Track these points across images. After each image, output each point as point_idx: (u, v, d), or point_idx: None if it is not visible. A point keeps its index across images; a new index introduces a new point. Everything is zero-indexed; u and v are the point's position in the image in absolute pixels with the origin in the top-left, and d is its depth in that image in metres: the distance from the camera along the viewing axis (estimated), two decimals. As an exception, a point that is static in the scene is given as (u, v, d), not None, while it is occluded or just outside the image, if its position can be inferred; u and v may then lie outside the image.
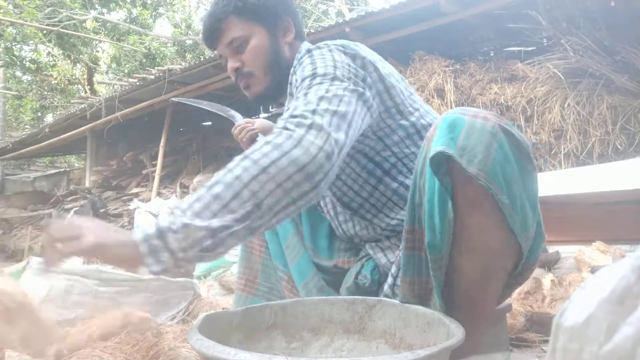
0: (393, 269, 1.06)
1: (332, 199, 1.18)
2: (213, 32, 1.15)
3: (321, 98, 0.86)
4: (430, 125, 1.09)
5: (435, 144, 0.80)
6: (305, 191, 0.78)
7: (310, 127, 0.80)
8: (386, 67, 1.07)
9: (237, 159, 0.78)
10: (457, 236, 0.83)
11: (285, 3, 1.17)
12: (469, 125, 0.79)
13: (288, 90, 1.11)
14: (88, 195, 6.54)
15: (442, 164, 0.79)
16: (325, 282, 1.20)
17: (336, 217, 1.20)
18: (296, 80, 1.00)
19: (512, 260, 0.88)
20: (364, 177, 1.09)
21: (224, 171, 0.77)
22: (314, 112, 0.83)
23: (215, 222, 0.73)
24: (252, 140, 1.31)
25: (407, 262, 0.93)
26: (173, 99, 1.59)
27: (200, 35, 1.23)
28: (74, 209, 5.96)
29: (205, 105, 1.42)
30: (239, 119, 1.40)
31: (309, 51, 1.03)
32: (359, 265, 1.15)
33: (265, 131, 1.34)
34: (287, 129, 0.80)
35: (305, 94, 0.89)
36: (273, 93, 1.17)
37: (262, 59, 1.13)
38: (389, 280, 1.05)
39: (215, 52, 1.19)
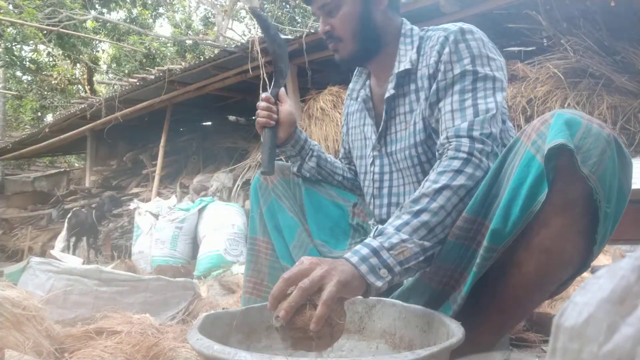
0: None
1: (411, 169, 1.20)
2: None
3: (493, 117, 0.99)
4: (507, 130, 1.13)
5: (552, 136, 0.79)
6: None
7: (489, 156, 0.95)
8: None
9: (430, 190, 0.90)
10: (532, 232, 0.82)
11: None
12: (585, 126, 0.80)
13: (404, 58, 1.15)
14: (104, 194, 6.53)
15: (553, 158, 0.79)
16: None
17: (389, 195, 1.22)
18: (454, 61, 1.06)
19: (573, 271, 0.87)
20: None
21: (419, 202, 0.89)
22: (490, 136, 0.96)
23: (427, 243, 0.86)
24: (264, 128, 1.26)
25: (453, 250, 0.92)
26: (250, 8, 1.38)
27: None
28: (74, 208, 5.96)
29: (270, 33, 1.26)
30: (274, 88, 1.28)
31: (462, 32, 1.08)
32: None
33: (285, 124, 1.28)
34: (473, 156, 0.94)
35: (474, 105, 1.00)
36: (360, 59, 1.22)
37: (351, 26, 1.15)
38: None
39: (311, 9, 1.22)
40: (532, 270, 0.84)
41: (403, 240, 0.84)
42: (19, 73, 12.05)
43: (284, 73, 1.28)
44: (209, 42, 9.57)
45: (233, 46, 5.05)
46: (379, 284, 0.80)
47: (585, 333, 0.32)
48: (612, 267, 0.34)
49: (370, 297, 0.96)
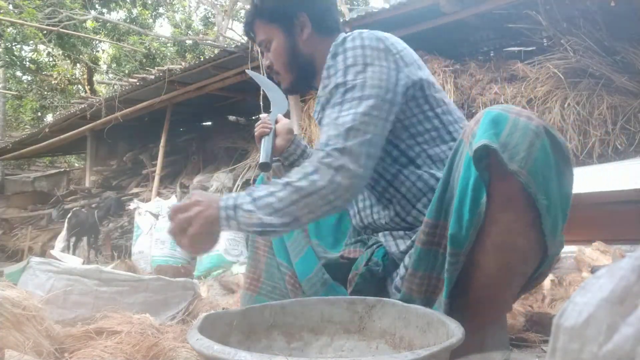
0: (406, 260, 1.06)
1: None
2: (249, 33, 1.28)
3: (349, 130, 0.98)
4: (456, 122, 1.12)
5: (478, 137, 0.80)
6: (331, 210, 0.99)
7: (338, 170, 0.96)
8: (420, 60, 1.14)
9: (283, 182, 0.97)
10: (484, 232, 0.83)
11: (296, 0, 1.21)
12: (512, 122, 0.80)
13: (323, 75, 1.15)
14: (110, 195, 6.54)
15: (483, 158, 0.80)
16: (332, 277, 1.20)
17: (356, 203, 1.22)
18: (331, 75, 1.07)
19: (535, 263, 0.88)
20: (388, 162, 1.12)
21: (275, 186, 0.97)
22: (342, 151, 0.97)
23: (267, 219, 0.95)
24: (261, 137, 1.40)
25: (421, 257, 0.93)
26: (247, 71, 1.72)
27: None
28: (74, 209, 5.95)
29: (262, 83, 1.51)
30: (273, 112, 1.46)
31: (343, 42, 1.08)
32: (368, 252, 1.15)
33: (282, 133, 1.41)
34: (321, 165, 0.97)
35: (336, 119, 1.01)
36: (300, 87, 1.30)
37: (282, 59, 1.22)
38: (401, 271, 1.05)
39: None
40: (492, 269, 0.85)
41: (250, 210, 0.95)
42: (19, 73, 12.05)
43: (282, 106, 1.45)
44: (209, 42, 9.58)
45: (233, 46, 5.05)
46: (224, 229, 0.97)
47: (585, 333, 0.32)
48: (612, 267, 0.34)
49: (370, 297, 0.97)
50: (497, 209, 0.81)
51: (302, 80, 1.25)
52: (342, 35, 1.18)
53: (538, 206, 0.78)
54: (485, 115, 0.82)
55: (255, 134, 1.41)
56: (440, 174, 1.04)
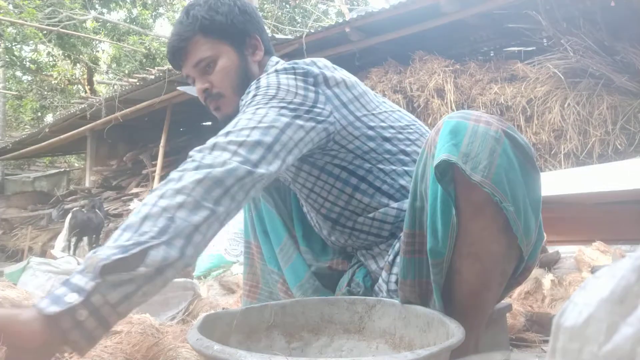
0: (383, 274, 1.06)
1: (314, 213, 1.17)
2: (179, 53, 1.10)
3: (253, 128, 0.86)
4: (407, 127, 1.10)
5: (438, 150, 0.79)
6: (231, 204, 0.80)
7: (224, 164, 0.80)
8: (351, 77, 1.06)
9: (155, 193, 0.75)
10: (459, 240, 0.83)
11: (253, 20, 1.14)
12: (471, 130, 0.79)
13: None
14: (88, 197, 6.53)
15: (447, 171, 0.78)
16: (321, 285, 1.20)
17: (321, 230, 1.19)
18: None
19: (513, 264, 0.88)
20: (339, 187, 1.06)
21: (136, 209, 0.74)
22: (241, 144, 0.83)
23: (128, 242, 0.68)
24: None
25: (407, 266, 0.93)
26: (179, 87, 1.48)
27: (166, 55, 1.17)
28: (74, 209, 5.95)
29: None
30: None
31: (267, 74, 1.01)
32: (350, 273, 1.15)
33: None
34: (211, 152, 0.81)
35: (243, 112, 0.90)
36: None
37: (231, 80, 1.10)
38: (383, 287, 1.05)
39: (182, 72, 1.14)
40: (471, 276, 0.85)
41: (91, 261, 0.67)
42: (19, 73, 12.06)
43: None
44: (209, 42, 9.56)
45: (233, 46, 5.05)
46: (84, 342, 0.65)
47: (585, 333, 0.32)
48: (612, 267, 0.34)
49: (370, 297, 0.97)
50: (466, 219, 0.81)
51: None
52: (275, 58, 1.15)
53: (506, 213, 0.78)
54: (445, 125, 0.81)
55: None
56: (397, 182, 1.04)
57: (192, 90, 1.39)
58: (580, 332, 0.32)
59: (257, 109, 0.91)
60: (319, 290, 1.18)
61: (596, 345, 0.31)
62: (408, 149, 1.08)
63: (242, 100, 0.99)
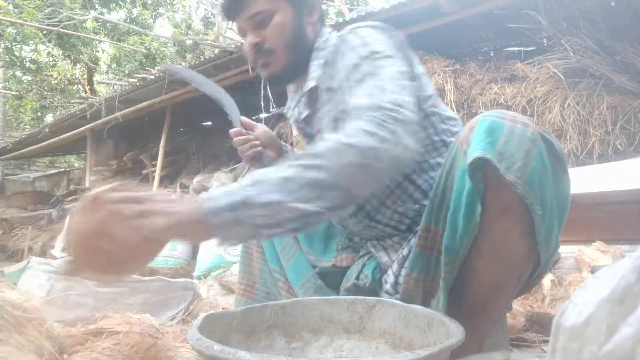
0: (394, 267, 1.05)
1: None
2: (235, 3, 1.08)
3: (402, 88, 0.83)
4: (451, 118, 1.08)
5: (473, 148, 0.78)
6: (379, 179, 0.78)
7: (396, 121, 0.76)
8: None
9: (327, 146, 0.73)
10: (480, 239, 0.82)
11: None
12: (508, 130, 0.78)
13: (312, 74, 1.07)
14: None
15: (479, 169, 0.77)
16: (324, 284, 1.20)
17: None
18: (347, 61, 0.95)
19: (530, 269, 0.87)
20: None
21: (319, 158, 0.71)
22: (401, 105, 0.79)
23: (311, 207, 0.68)
24: (255, 156, 1.24)
25: (416, 259, 0.92)
26: (168, 65, 1.22)
27: (221, 3, 1.14)
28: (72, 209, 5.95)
29: (198, 83, 1.29)
30: (235, 119, 1.27)
31: (352, 31, 1.01)
32: (359, 264, 1.14)
33: (269, 144, 1.28)
34: (383, 126, 0.75)
35: (374, 76, 0.86)
36: (290, 74, 1.13)
37: (285, 37, 1.07)
38: (391, 278, 1.05)
39: (234, 23, 1.12)
40: (487, 276, 0.85)
41: (279, 202, 0.67)
42: (19, 73, 12.05)
43: (232, 113, 1.26)
44: (209, 42, 9.57)
45: (233, 46, 5.05)
46: (226, 244, 0.69)
47: (585, 333, 0.32)
48: (612, 267, 0.34)
49: (370, 297, 0.97)
50: (492, 219, 0.80)
51: (296, 65, 1.10)
52: (328, 29, 1.13)
53: (533, 216, 0.78)
54: (480, 123, 0.80)
55: (247, 154, 1.23)
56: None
57: (186, 72, 1.33)
58: (580, 332, 0.32)
59: (395, 68, 0.88)
60: (321, 289, 1.18)
61: (596, 345, 0.31)
62: (448, 139, 1.06)
63: (348, 53, 0.96)
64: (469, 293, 0.87)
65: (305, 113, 1.14)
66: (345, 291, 1.11)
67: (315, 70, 1.08)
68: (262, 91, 4.33)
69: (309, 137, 1.19)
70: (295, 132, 4.66)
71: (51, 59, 12.22)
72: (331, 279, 1.20)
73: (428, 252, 0.91)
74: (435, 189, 0.90)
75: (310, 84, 1.08)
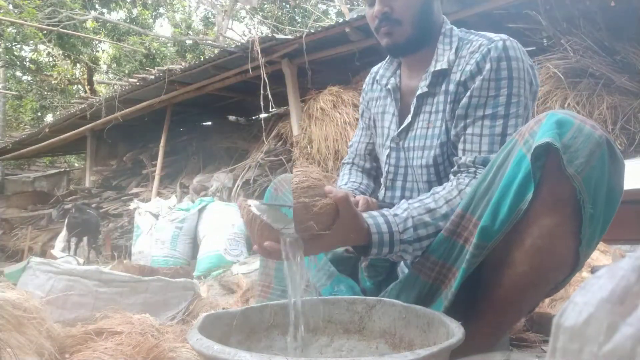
0: None
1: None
2: None
3: (498, 145, 1.01)
4: None
5: (540, 135, 0.79)
6: None
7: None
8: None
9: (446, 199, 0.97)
10: (524, 231, 0.82)
11: None
12: (577, 127, 0.79)
13: (442, 57, 1.14)
14: (78, 202, 6.49)
15: (541, 157, 0.79)
16: (337, 270, 1.20)
17: (388, 190, 1.23)
18: (487, 84, 1.04)
19: (566, 271, 0.87)
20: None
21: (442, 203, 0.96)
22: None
23: (426, 242, 0.93)
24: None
25: (440, 243, 0.92)
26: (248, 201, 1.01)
27: None
28: (70, 210, 5.95)
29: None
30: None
31: (505, 48, 1.05)
32: None
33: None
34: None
35: (503, 136, 1.01)
36: (412, 47, 1.17)
37: (414, 11, 1.12)
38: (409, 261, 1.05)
39: None
40: (526, 270, 0.84)
41: (413, 241, 0.92)
42: (19, 73, 12.06)
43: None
44: (209, 42, 9.57)
45: (233, 46, 5.05)
46: (372, 255, 0.92)
47: (585, 333, 0.32)
48: (612, 267, 0.34)
49: (370, 297, 0.97)
50: (542, 210, 0.80)
51: (418, 39, 1.15)
52: (448, 22, 1.19)
53: (583, 214, 0.78)
54: (549, 116, 0.82)
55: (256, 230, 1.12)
56: None
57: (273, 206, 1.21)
58: (580, 332, 0.32)
59: (518, 125, 1.02)
60: (334, 276, 1.18)
61: (596, 345, 0.31)
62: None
63: (493, 73, 1.04)
64: (498, 289, 0.86)
65: (424, 90, 1.16)
66: (363, 269, 1.12)
67: (445, 55, 1.13)
68: (262, 91, 4.33)
69: (413, 113, 1.19)
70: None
71: (51, 59, 12.23)
72: (345, 265, 1.20)
73: (455, 237, 0.91)
74: (482, 180, 0.90)
75: (441, 65, 1.13)
